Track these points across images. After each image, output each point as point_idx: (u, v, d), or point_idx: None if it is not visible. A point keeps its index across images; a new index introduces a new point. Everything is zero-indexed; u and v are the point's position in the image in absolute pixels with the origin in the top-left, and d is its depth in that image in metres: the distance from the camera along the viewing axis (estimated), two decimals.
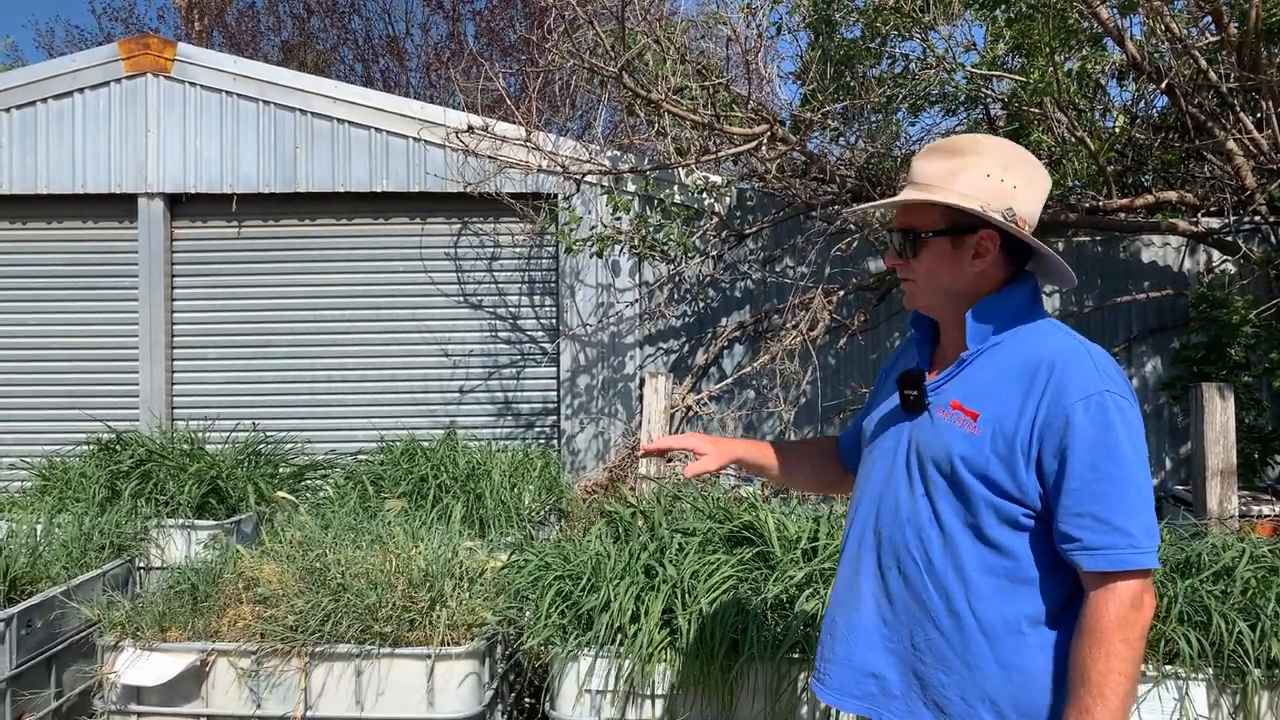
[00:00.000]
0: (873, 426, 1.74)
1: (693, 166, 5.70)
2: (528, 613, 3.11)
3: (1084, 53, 5.69)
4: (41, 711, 3.42)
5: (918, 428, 1.61)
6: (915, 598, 1.58)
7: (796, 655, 2.83)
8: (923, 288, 1.64)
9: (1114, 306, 6.01)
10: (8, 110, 6.23)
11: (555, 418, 6.37)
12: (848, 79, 6.13)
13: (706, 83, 5.46)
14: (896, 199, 1.64)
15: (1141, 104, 6.31)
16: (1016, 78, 5.52)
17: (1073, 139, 5.51)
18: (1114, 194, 5.56)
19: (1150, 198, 5.62)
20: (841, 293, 5.65)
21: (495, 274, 6.42)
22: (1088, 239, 6.14)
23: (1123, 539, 1.43)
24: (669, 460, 4.66)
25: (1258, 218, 5.54)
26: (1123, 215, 5.63)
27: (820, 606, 2.82)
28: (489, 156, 5.81)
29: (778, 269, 6.25)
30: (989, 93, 5.97)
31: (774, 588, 2.92)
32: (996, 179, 1.56)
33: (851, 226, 5.87)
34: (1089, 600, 1.46)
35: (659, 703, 2.84)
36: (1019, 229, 1.55)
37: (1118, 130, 5.92)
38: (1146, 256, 6.25)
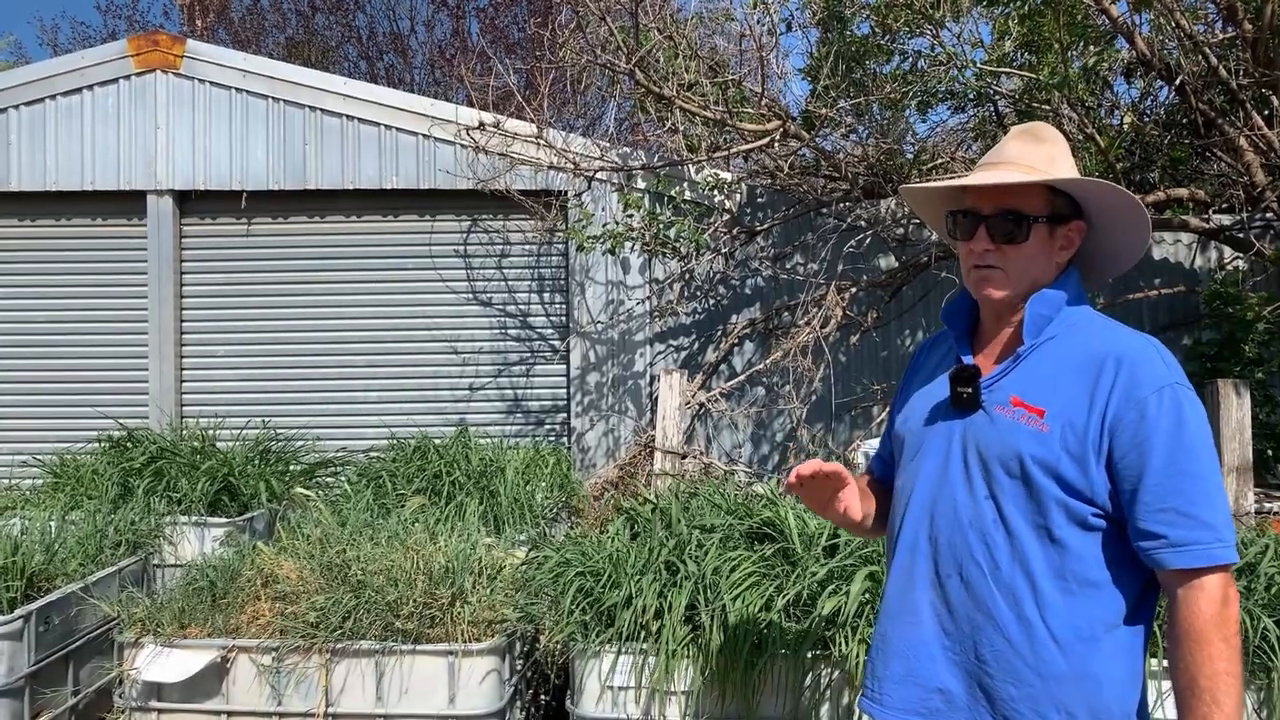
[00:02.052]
0: (914, 427, 1.65)
1: (703, 163, 5.69)
2: (547, 609, 3.10)
3: (1094, 49, 5.68)
4: (59, 708, 3.42)
5: (973, 426, 1.54)
6: (979, 606, 1.50)
7: (819, 652, 2.83)
8: (1013, 277, 1.55)
9: (1125, 303, 5.99)
10: (16, 107, 6.21)
11: (565, 415, 6.36)
12: (858, 75, 6.12)
13: (719, 79, 5.46)
14: (1025, 175, 1.52)
15: (1149, 101, 6.31)
16: (1027, 75, 5.52)
17: (1081, 136, 5.50)
18: None
19: (1160, 194, 5.62)
20: (853, 289, 5.65)
21: (505, 271, 6.41)
22: None
23: (1209, 533, 1.39)
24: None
25: (1269, 214, 5.53)
26: None
27: (843, 603, 2.82)
28: (499, 153, 5.80)
29: (789, 266, 6.24)
30: (997, 90, 5.96)
31: (796, 585, 2.91)
32: (1075, 170, 1.59)
33: (862, 223, 5.86)
34: (1178, 602, 1.40)
35: (682, 699, 2.84)
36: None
37: (1125, 127, 5.91)
38: (1158, 253, 6.24)
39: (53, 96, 6.22)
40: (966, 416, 1.56)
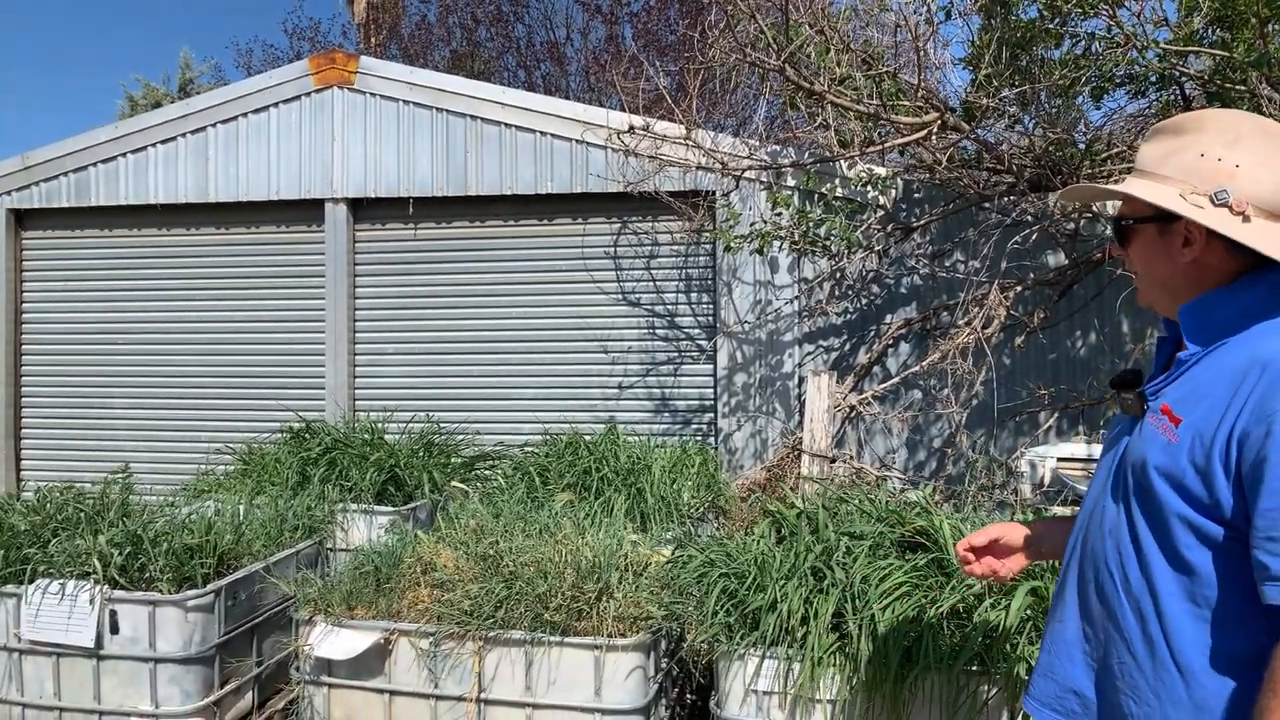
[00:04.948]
0: (1109, 435, 1.64)
1: (857, 158, 5.54)
2: (692, 609, 3.11)
3: None
4: (245, 677, 3.72)
5: (1134, 433, 1.51)
6: (1111, 616, 1.47)
7: (975, 668, 2.70)
8: (1141, 280, 1.56)
9: None
10: (214, 125, 6.81)
11: (712, 415, 6.36)
12: (1024, 62, 5.79)
13: (872, 72, 5.30)
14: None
15: None
16: (1218, 53, 5.06)
17: None
18: None
19: None
20: (1019, 288, 5.35)
21: (653, 272, 6.48)
22: None
23: None
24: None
25: None
26: None
27: (1003, 617, 2.67)
28: (649, 156, 5.86)
29: (948, 264, 5.99)
30: (1184, 71, 5.50)
31: (951, 597, 2.79)
32: (1213, 158, 1.41)
33: (1029, 218, 5.55)
34: (1277, 642, 1.27)
35: (828, 708, 2.77)
36: (1229, 214, 1.38)
37: None
38: None
39: (245, 115, 6.78)
40: (1136, 423, 1.52)
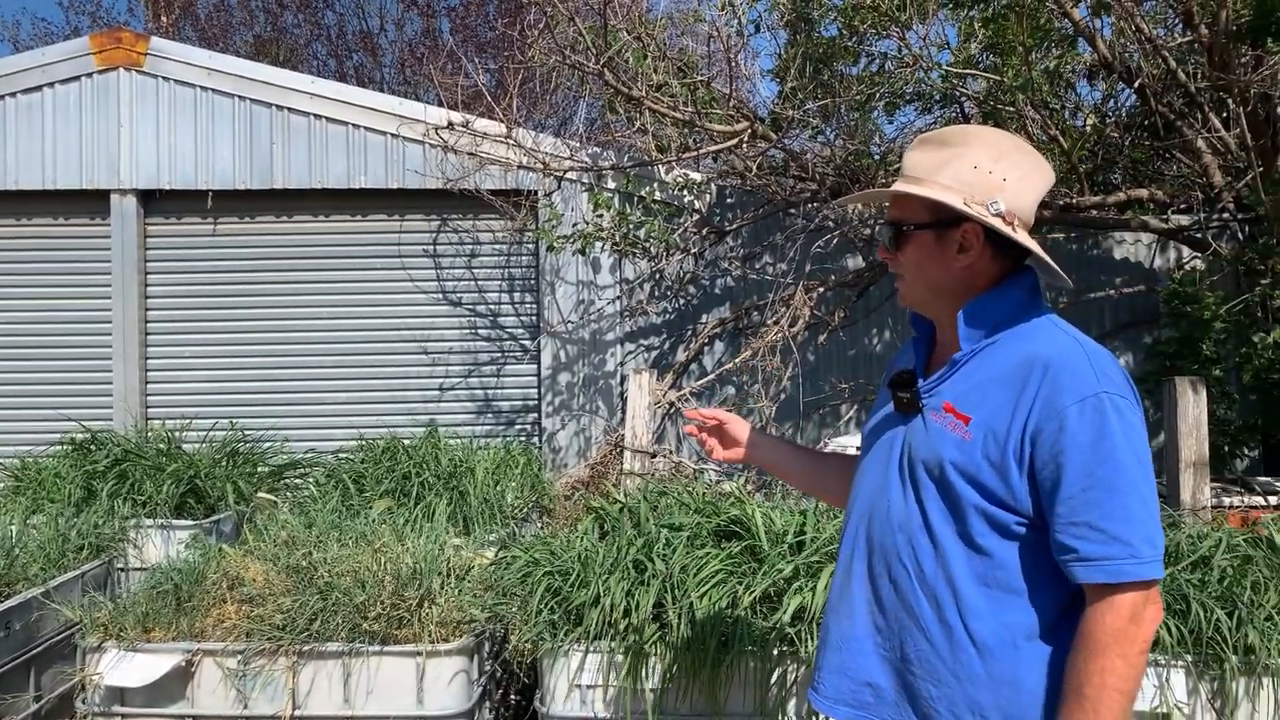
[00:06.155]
0: (869, 428, 1.70)
1: (673, 164, 5.72)
2: (516, 609, 3.11)
3: (1057, 52, 5.77)
4: (21, 715, 3.37)
5: (912, 431, 1.56)
6: (906, 607, 1.53)
7: (786, 649, 2.86)
8: (910, 283, 1.60)
9: (1087, 302, 6.11)
10: None
11: (536, 415, 6.36)
12: (826, 77, 6.18)
13: (687, 80, 5.49)
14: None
15: (1111, 103, 6.43)
16: (991, 76, 5.60)
17: (1045, 137, 5.59)
18: (1086, 191, 5.65)
19: (1121, 195, 5.72)
20: (821, 289, 5.70)
21: (475, 271, 6.40)
22: (1061, 235, 6.24)
23: (1121, 549, 1.36)
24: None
25: (1226, 215, 5.65)
26: (1095, 212, 5.72)
27: (809, 599, 2.85)
28: (468, 153, 5.79)
29: (758, 266, 6.29)
30: (963, 91, 6.05)
31: (763, 582, 2.94)
32: (985, 170, 1.52)
33: (830, 223, 5.92)
34: (1086, 612, 1.40)
35: (650, 697, 2.86)
36: (1003, 223, 1.50)
37: (1089, 129, 6.01)
38: (1118, 253, 6.36)
39: (13, 94, 6.12)
40: (909, 421, 1.58)
